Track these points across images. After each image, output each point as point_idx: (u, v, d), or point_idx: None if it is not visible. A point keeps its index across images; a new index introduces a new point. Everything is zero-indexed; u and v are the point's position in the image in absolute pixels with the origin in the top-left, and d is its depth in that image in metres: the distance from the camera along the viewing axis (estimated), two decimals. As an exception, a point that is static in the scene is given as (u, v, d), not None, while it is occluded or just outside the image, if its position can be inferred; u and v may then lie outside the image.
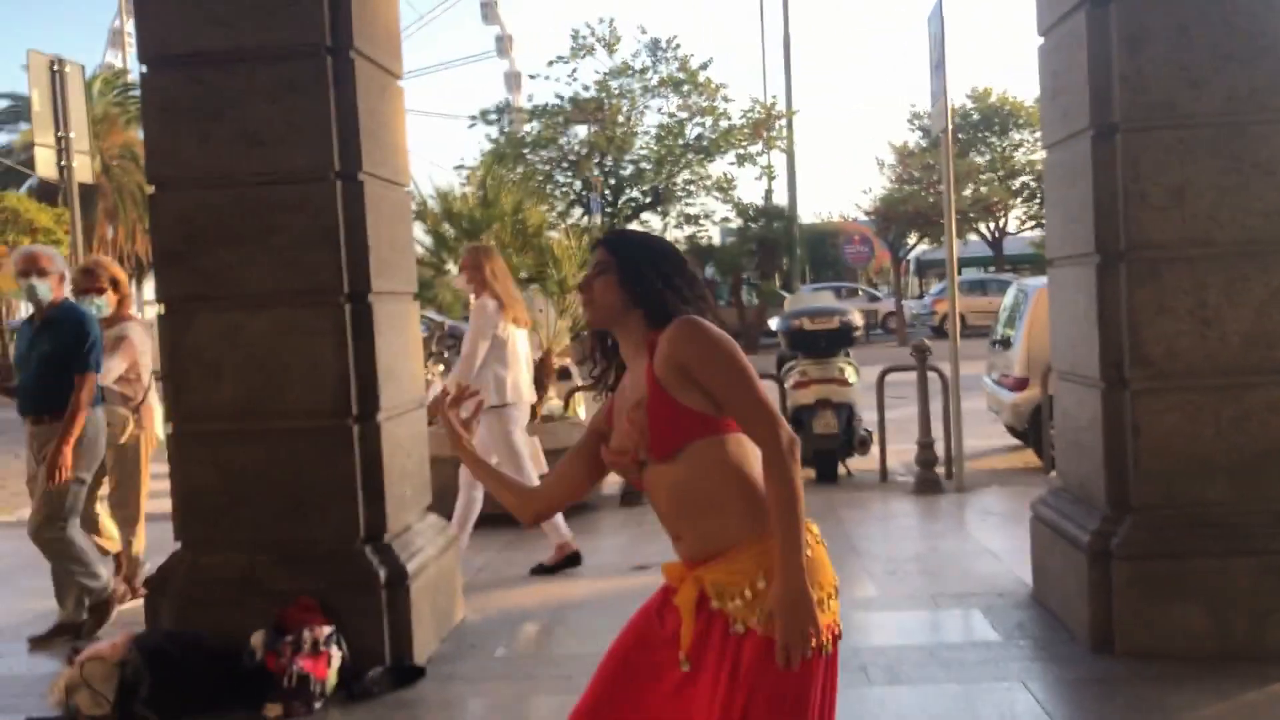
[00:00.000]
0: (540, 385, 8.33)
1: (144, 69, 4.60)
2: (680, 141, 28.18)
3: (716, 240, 31.91)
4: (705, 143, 27.90)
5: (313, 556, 4.50)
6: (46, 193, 41.48)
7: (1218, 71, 4.26)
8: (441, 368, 10.62)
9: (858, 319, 9.02)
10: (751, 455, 2.23)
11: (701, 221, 30.00)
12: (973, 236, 37.07)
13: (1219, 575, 4.23)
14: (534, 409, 8.22)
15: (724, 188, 28.74)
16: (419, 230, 8.53)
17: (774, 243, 28.94)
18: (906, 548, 6.30)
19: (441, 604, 4.98)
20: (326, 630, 4.24)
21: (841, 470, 9.06)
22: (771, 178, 29.60)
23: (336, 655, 4.24)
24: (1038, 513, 5.06)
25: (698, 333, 2.23)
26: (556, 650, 4.81)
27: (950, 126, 8.03)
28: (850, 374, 8.84)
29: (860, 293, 36.10)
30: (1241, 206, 4.26)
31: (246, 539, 4.54)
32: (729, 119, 27.93)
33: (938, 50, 7.89)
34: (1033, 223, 35.38)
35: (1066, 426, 4.88)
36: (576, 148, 28.22)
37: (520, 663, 4.62)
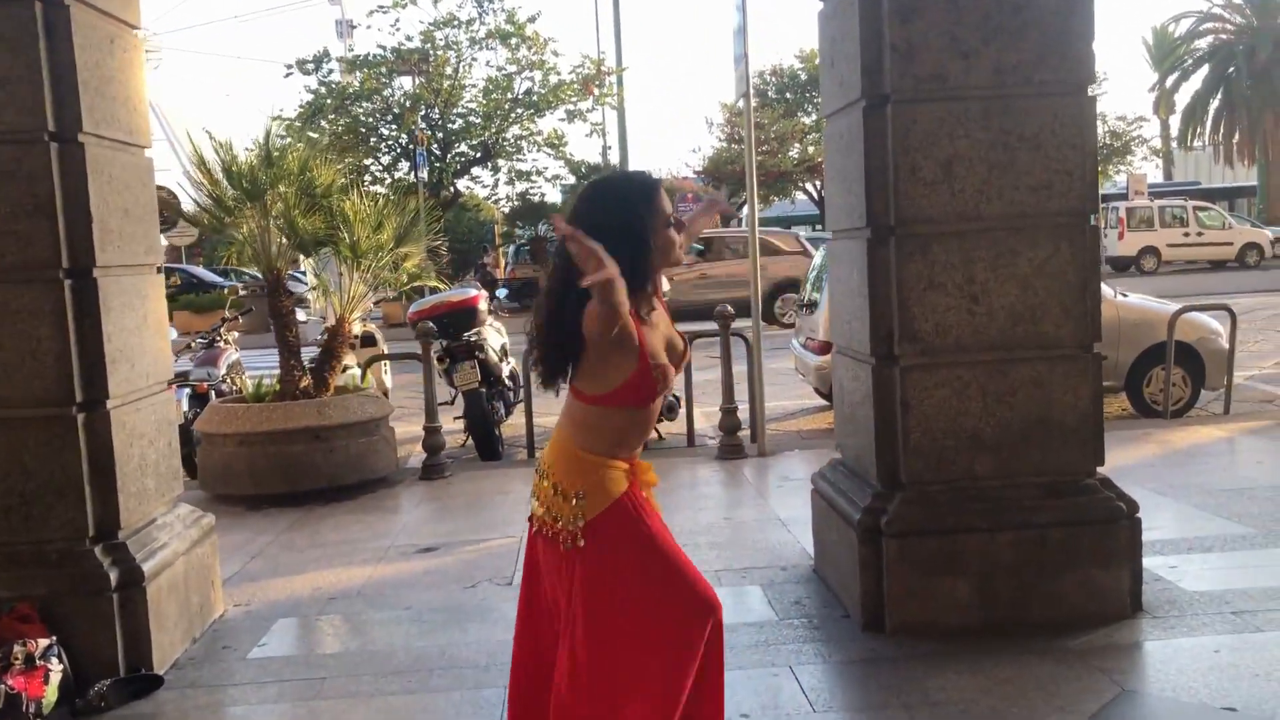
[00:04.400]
0: (334, 355, 7.94)
1: None
2: (509, 96, 27.57)
3: (550, 198, 31.54)
4: (535, 98, 27.34)
5: (36, 559, 4.09)
6: None
7: (986, 43, 4.21)
8: (235, 334, 10.07)
9: (664, 285, 8.87)
10: None
11: (534, 178, 29.53)
12: (800, 196, 37.70)
13: (985, 549, 4.24)
14: (326, 380, 7.84)
15: (555, 144, 28.30)
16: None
17: (605, 199, 28.64)
18: (701, 518, 6.22)
19: (194, 601, 4.62)
20: (44, 643, 3.85)
21: (652, 435, 8.97)
22: (603, 134, 29.33)
23: (57, 669, 3.85)
24: (817, 486, 5.02)
25: None
26: (316, 649, 4.53)
27: (750, 90, 7.94)
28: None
29: (691, 250, 36.27)
30: (1009, 181, 4.24)
31: (-43, 542, 4.09)
32: (558, 74, 27.44)
33: (740, 16, 7.88)
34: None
35: (843, 401, 4.83)
36: (401, 100, 27.30)
37: (272, 665, 4.31)
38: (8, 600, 3.98)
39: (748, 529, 5.97)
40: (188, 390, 8.58)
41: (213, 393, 8.65)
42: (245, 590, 5.29)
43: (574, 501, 2.71)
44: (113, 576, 4.07)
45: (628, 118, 28.94)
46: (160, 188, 8.18)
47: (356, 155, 28.12)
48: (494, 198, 31.05)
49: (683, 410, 8.76)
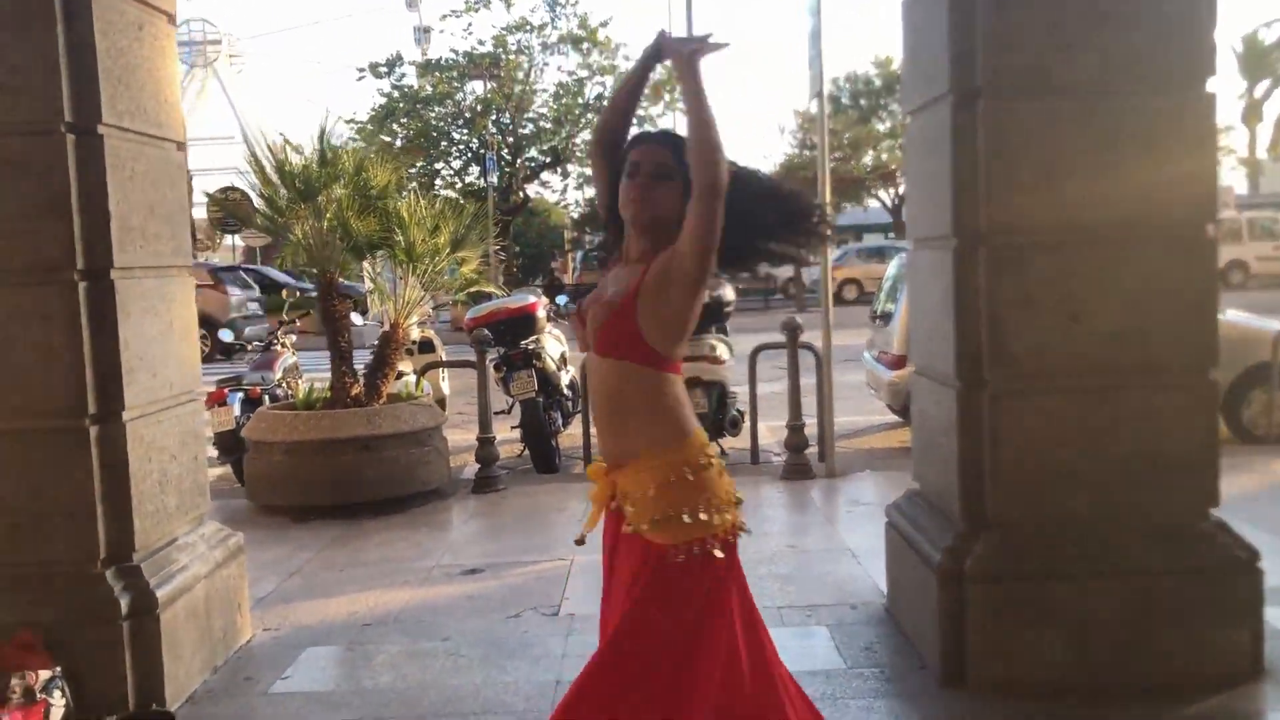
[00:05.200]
0: (386, 362, 7.65)
1: None
2: (580, 101, 27.38)
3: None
4: (604, 102, 27.09)
5: (42, 583, 3.81)
6: None
7: (1093, 32, 3.75)
8: (294, 337, 9.85)
9: (729, 294, 8.47)
10: (680, 395, 2.54)
11: (601, 183, 29.26)
12: (873, 203, 36.99)
13: (1082, 599, 3.77)
14: (379, 388, 7.56)
15: (626, 146, 28.01)
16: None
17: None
18: (763, 546, 5.79)
19: (216, 627, 4.32)
20: (45, 675, 3.56)
21: (715, 449, 8.56)
22: (673, 139, 28.92)
23: (59, 703, 3.56)
24: (892, 519, 4.57)
25: None
26: (341, 684, 4.19)
27: (824, 91, 7.51)
28: (722, 351, 8.30)
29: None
30: (1116, 186, 3.77)
31: (-37, 561, 3.83)
32: (629, 78, 27.15)
33: (814, 20, 7.50)
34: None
35: (923, 428, 4.38)
36: (472, 104, 27.23)
37: (293, 702, 3.99)
38: (10, 627, 3.70)
39: (814, 559, 5.53)
40: (240, 395, 8.36)
41: (266, 397, 8.42)
42: (277, 613, 4.99)
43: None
44: (123, 603, 3.77)
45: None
46: (233, 189, 8.01)
47: (427, 159, 28.18)
48: (563, 203, 30.85)
49: (746, 424, 8.34)
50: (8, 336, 3.75)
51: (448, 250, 7.78)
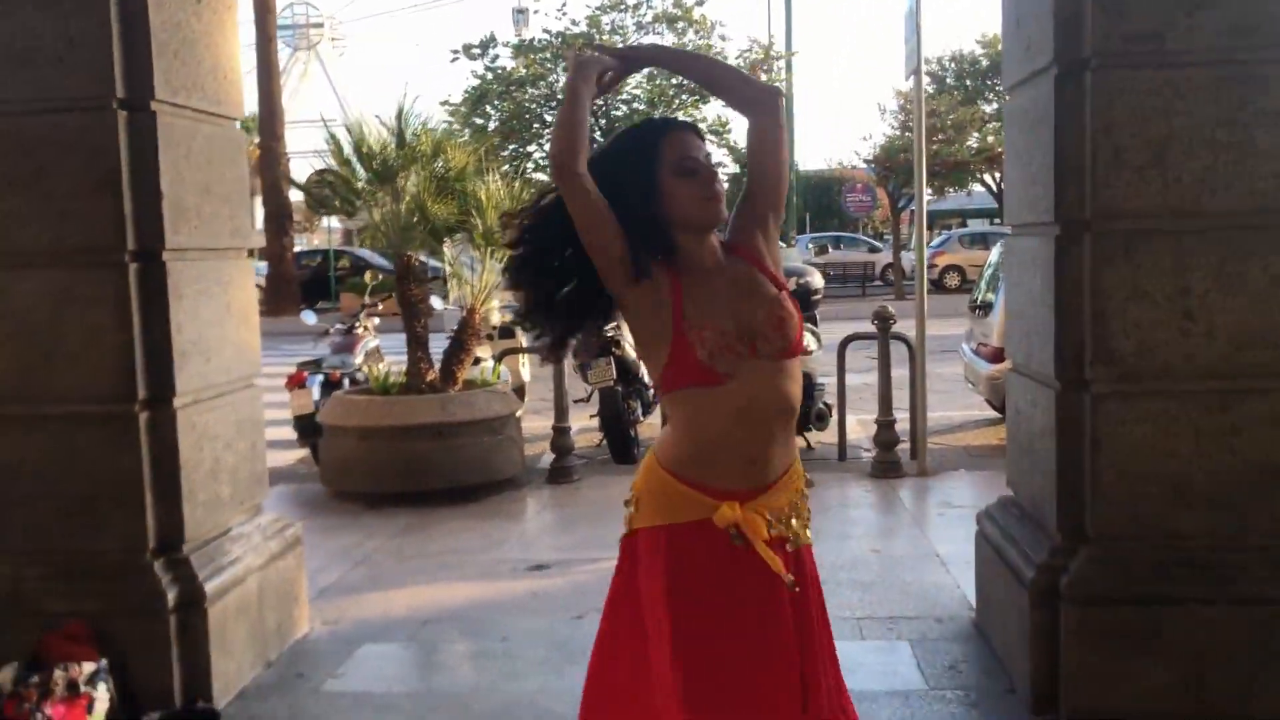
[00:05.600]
0: (463, 347, 7.51)
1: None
2: (674, 82, 27.00)
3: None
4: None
5: (93, 572, 3.71)
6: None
7: (1219, -5, 3.37)
8: (377, 320, 9.78)
9: (817, 281, 8.14)
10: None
11: (697, 164, 28.92)
12: (977, 188, 35.96)
13: (1194, 626, 3.41)
14: (454, 374, 7.43)
15: (719, 131, 27.59)
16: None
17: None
18: (845, 549, 5.50)
19: (270, 621, 4.20)
20: (89, 667, 3.45)
21: (801, 443, 8.27)
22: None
23: (103, 697, 3.46)
24: (983, 528, 4.25)
25: None
26: (394, 685, 4.02)
27: (921, 67, 7.13)
28: (809, 341, 7.98)
29: (860, 243, 35.12)
30: (1242, 168, 3.38)
31: (16, 548, 3.75)
32: (725, 59, 26.74)
33: (911, -1, 7.15)
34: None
35: (1018, 430, 4.04)
36: (563, 84, 27.08)
37: (343, 701, 3.84)
38: (60, 616, 3.61)
39: (900, 566, 5.21)
40: (320, 378, 8.31)
41: (346, 381, 8.35)
42: (337, 606, 4.86)
43: (628, 507, 2.35)
44: (170, 596, 3.65)
45: (796, 104, 28.04)
46: (328, 171, 7.94)
47: (520, 142, 28.16)
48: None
49: (835, 418, 8.01)
50: (59, 318, 3.65)
51: (527, 233, 7.59)
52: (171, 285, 3.73)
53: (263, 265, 28.54)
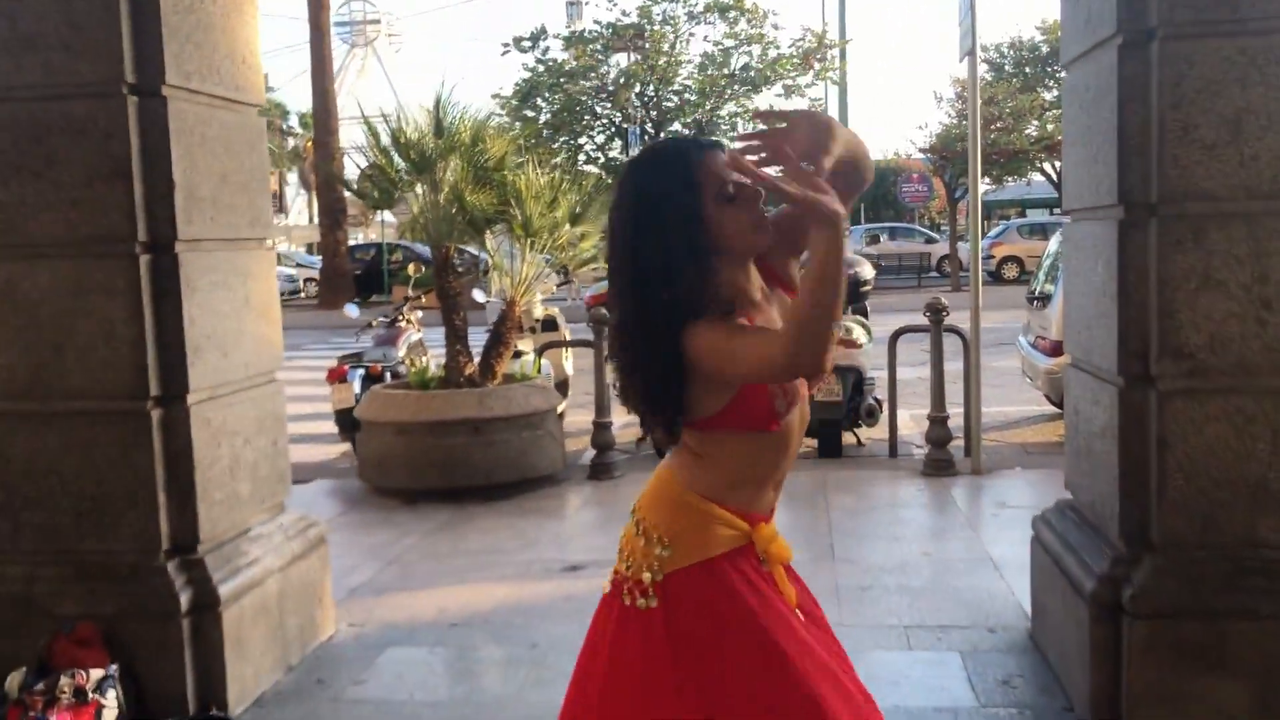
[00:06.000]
0: (502, 340, 7.36)
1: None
2: (725, 72, 26.71)
3: (764, 177, 30.46)
4: (752, 73, 26.34)
5: (106, 573, 3.59)
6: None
7: (1300, -44, 3.08)
8: (420, 313, 9.66)
9: (867, 271, 7.89)
10: None
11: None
12: (1036, 177, 35.22)
13: (1268, 641, 3.15)
14: (494, 368, 7.28)
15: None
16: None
17: (824, 181, 27.41)
18: (894, 551, 5.26)
19: (292, 624, 4.06)
20: (96, 674, 3.32)
21: (851, 440, 8.02)
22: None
23: (111, 705, 3.33)
24: (1039, 534, 3.99)
25: None
26: (417, 693, 3.85)
27: (976, 48, 6.83)
28: (858, 334, 7.74)
29: (916, 234, 34.56)
30: (1324, 144, 3.10)
31: (30, 548, 3.64)
32: (777, 48, 26.35)
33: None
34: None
35: (1077, 429, 3.78)
36: (616, 77, 26.89)
37: (363, 710, 3.69)
38: (72, 619, 3.50)
39: (951, 570, 4.96)
40: (361, 371, 8.21)
41: (387, 375, 8.24)
42: (365, 606, 4.72)
43: (657, 549, 2.01)
44: (183, 599, 3.52)
45: (849, 93, 27.60)
46: (373, 164, 7.84)
47: (571, 134, 28.04)
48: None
49: (885, 414, 7.75)
50: (72, 311, 3.53)
51: (567, 224, 7.43)
52: (185, 277, 3.59)
53: (317, 259, 28.63)
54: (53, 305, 3.54)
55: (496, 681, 3.94)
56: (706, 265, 1.94)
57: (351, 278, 27.85)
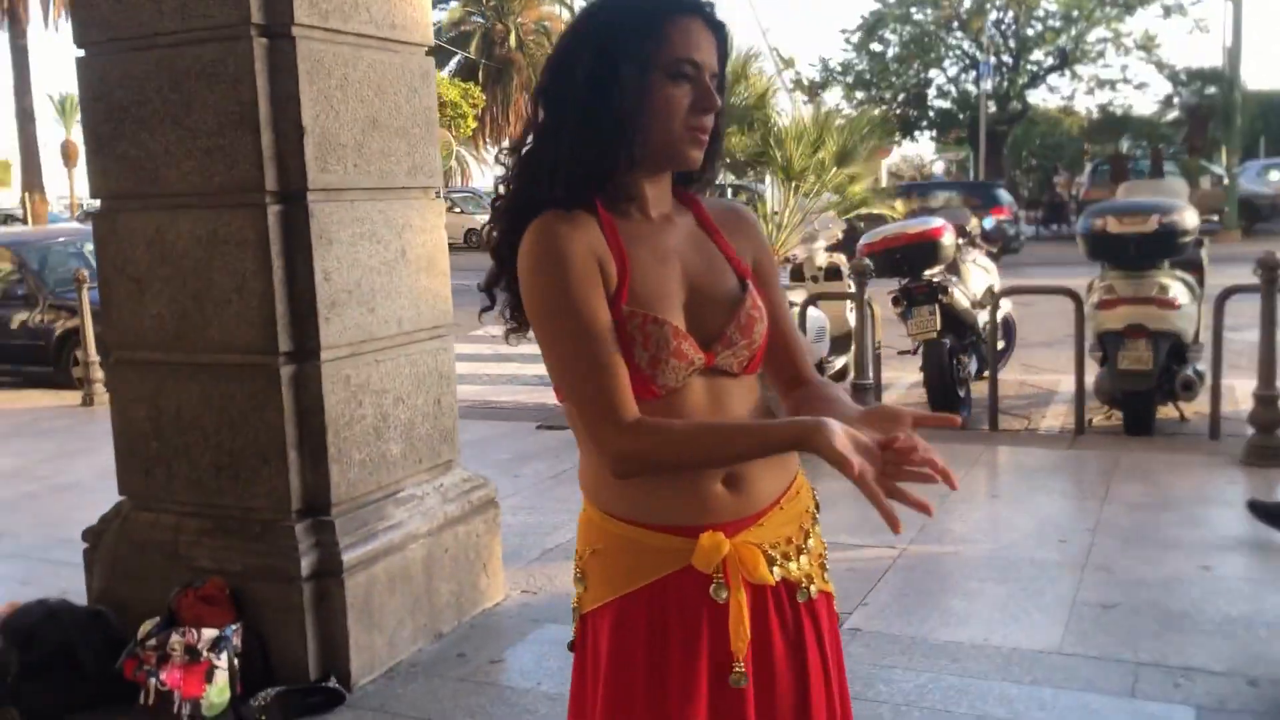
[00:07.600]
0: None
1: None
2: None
3: (1139, 109, 27.54)
4: None
5: (240, 530, 3.55)
6: (470, 71, 44.17)
7: None
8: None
9: (1189, 220, 6.62)
10: None
11: (1118, 87, 25.89)
12: None
13: None
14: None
15: (1146, 47, 24.46)
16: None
17: (1208, 112, 24.37)
18: (1164, 563, 4.33)
19: (442, 591, 3.88)
20: (209, 634, 3.27)
21: (1173, 414, 6.89)
22: (1204, 32, 24.91)
23: (223, 665, 3.27)
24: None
25: None
26: (545, 680, 3.54)
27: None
28: (1176, 291, 6.56)
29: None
30: None
31: (179, 499, 3.67)
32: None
33: None
34: None
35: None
36: (971, 5, 25.16)
37: (485, 694, 3.43)
38: (206, 574, 3.48)
39: (1228, 594, 3.99)
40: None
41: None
42: (547, 573, 4.49)
43: (577, 586, 1.70)
44: (305, 562, 3.41)
45: (1244, 9, 24.18)
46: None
47: (921, 67, 26.61)
48: (1069, 110, 27.73)
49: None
50: (209, 263, 3.48)
51: (834, 167, 6.79)
52: (317, 229, 3.43)
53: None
54: (193, 256, 3.50)
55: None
56: (628, 138, 1.50)
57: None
